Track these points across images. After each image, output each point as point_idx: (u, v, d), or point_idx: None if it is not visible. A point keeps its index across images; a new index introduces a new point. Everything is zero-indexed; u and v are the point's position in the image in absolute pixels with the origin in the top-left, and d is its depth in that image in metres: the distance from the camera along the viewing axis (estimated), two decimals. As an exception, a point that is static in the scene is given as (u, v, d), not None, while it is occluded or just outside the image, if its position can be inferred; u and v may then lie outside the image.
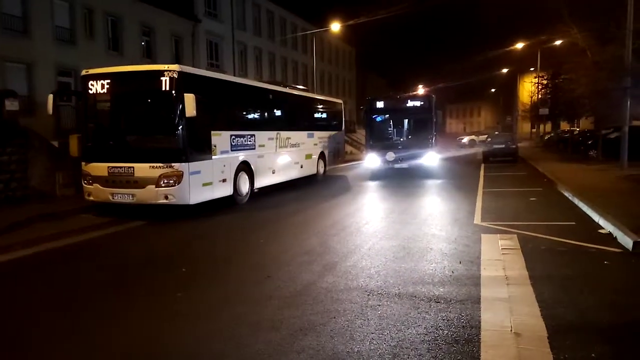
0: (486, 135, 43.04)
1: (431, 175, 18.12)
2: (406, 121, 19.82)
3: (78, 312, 5.24)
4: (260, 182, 13.91)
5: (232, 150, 12.32)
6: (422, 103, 18.88)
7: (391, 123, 19.78)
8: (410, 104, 19.10)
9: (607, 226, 8.35)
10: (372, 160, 18.59)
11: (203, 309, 5.17)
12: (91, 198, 11.09)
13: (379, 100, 19.48)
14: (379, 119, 19.61)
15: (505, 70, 59.01)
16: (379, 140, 18.94)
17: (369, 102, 19.64)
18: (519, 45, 42.29)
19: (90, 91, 10.90)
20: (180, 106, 10.04)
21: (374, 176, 18.74)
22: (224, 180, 11.87)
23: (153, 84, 10.40)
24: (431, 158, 18.33)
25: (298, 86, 22.90)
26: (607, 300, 5.13)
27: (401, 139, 19.41)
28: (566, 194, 12.48)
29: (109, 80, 10.78)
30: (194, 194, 10.65)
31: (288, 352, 4.06)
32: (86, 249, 8.48)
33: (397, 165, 18.21)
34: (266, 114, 15.25)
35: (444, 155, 26.18)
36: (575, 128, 39.46)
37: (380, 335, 4.34)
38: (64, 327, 4.86)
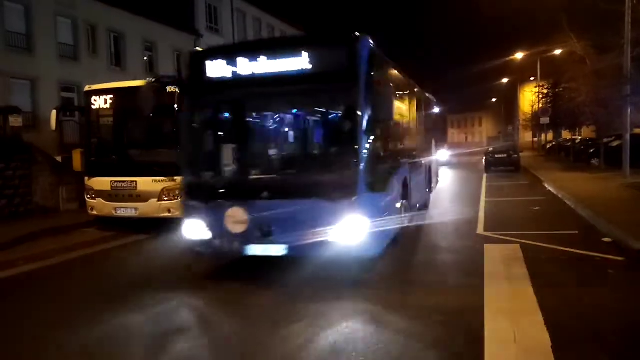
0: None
1: None
2: (286, 117, 8.35)
3: (75, 328, 5.17)
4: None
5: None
6: (327, 59, 6.25)
7: (246, 120, 7.65)
8: (292, 64, 6.22)
9: (610, 235, 8.31)
10: (192, 231, 6.68)
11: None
12: (94, 212, 11.12)
13: (213, 57, 6.74)
14: (212, 110, 7.40)
15: (505, 80, 59.20)
16: (210, 168, 7.12)
17: (189, 63, 7.07)
18: (519, 55, 42.44)
19: (93, 106, 11.00)
20: (182, 120, 10.05)
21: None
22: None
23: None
24: (357, 227, 5.89)
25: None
26: (612, 309, 5.10)
27: (271, 168, 7.40)
28: (569, 202, 12.45)
29: (111, 96, 10.87)
30: (197, 208, 10.59)
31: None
32: (89, 264, 8.48)
33: (256, 249, 6.29)
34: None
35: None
36: (577, 136, 39.46)
37: (384, 348, 4.33)
38: (59, 343, 4.84)
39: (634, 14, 16.14)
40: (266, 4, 36.86)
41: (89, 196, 11.16)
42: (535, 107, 44.05)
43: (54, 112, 11.19)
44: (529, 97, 47.83)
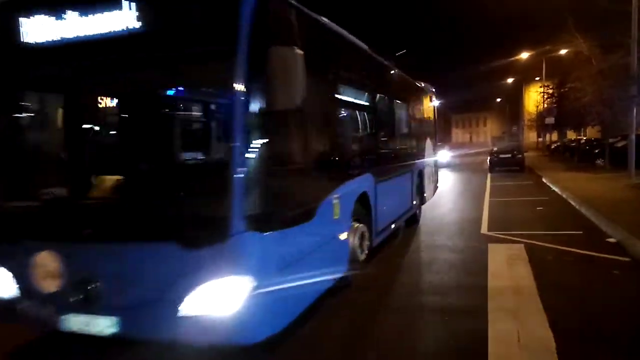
0: None
1: None
2: (130, 104, 5.02)
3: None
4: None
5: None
6: (194, 11, 3.54)
7: (70, 110, 4.71)
8: (135, 20, 3.60)
9: (615, 235, 8.27)
10: None
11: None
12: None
13: (21, 13, 3.92)
14: (20, 92, 4.47)
15: (510, 80, 58.98)
16: (20, 185, 4.30)
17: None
18: (524, 55, 42.26)
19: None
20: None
21: None
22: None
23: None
24: (233, 291, 3.34)
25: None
26: (616, 310, 5.07)
27: (102, 187, 4.25)
28: (573, 202, 12.40)
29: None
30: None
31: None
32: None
33: (73, 322, 3.69)
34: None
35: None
36: (582, 137, 39.33)
37: (387, 348, 4.31)
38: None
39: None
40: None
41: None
42: (540, 107, 43.95)
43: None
44: (534, 97, 47.71)
